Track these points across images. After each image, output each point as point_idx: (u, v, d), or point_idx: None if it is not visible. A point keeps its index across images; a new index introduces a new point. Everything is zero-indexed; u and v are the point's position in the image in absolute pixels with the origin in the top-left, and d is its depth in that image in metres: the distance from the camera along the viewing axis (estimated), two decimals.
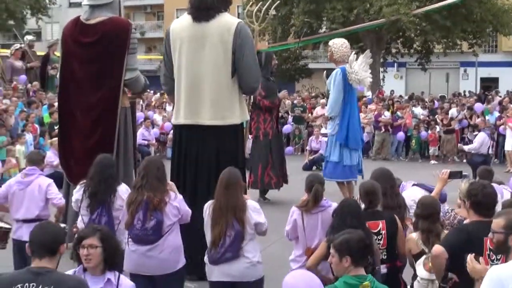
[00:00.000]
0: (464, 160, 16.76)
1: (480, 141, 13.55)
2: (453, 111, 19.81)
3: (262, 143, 11.71)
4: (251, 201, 5.45)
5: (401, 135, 19.04)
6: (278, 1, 25.87)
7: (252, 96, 11.17)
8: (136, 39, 7.79)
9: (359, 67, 10.65)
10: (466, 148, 14.85)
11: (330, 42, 11.58)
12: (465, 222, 4.87)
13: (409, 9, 26.29)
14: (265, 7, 10.43)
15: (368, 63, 10.92)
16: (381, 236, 5.32)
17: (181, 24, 7.08)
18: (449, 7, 27.00)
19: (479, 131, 14.83)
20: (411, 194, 6.52)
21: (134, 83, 7.66)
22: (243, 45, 6.83)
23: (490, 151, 13.59)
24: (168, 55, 7.15)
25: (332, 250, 4.11)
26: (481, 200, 4.46)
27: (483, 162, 12.86)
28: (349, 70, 10.47)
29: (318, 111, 21.06)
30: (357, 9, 28.63)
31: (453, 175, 5.96)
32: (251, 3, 10.78)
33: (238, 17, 13.30)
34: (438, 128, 19.00)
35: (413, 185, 6.93)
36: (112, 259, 4.18)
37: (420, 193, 6.48)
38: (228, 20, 6.90)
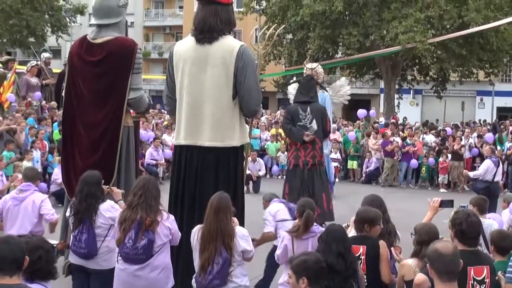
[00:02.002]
0: None
1: (485, 168, 13.60)
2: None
3: (321, 171, 11.34)
4: (240, 228, 5.47)
5: (414, 162, 18.94)
6: (284, 26, 26.07)
7: (323, 123, 11.21)
8: (141, 59, 7.85)
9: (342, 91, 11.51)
10: (471, 174, 15.01)
11: (315, 65, 11.82)
12: None
13: (424, 37, 26.32)
14: (277, 31, 10.57)
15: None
16: (360, 261, 5.27)
17: (184, 45, 7.13)
18: (465, 36, 27.02)
19: (486, 157, 14.85)
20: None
21: (138, 102, 7.71)
22: (245, 67, 6.83)
23: (496, 179, 13.55)
24: (171, 76, 7.19)
25: (289, 271, 4.14)
26: (465, 229, 4.45)
27: (486, 188, 13.02)
28: (333, 94, 11.15)
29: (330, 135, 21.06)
30: (373, 36, 28.73)
31: (444, 204, 5.92)
32: (266, 26, 10.89)
33: (256, 40, 13.35)
34: (449, 156, 18.94)
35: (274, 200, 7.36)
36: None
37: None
38: (230, 43, 6.92)
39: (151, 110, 19.16)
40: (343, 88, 12.36)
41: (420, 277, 4.38)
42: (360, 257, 5.28)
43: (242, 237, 5.35)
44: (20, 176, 11.88)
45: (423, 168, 19.29)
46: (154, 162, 17.62)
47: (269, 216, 7.06)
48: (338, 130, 21.68)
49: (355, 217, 5.60)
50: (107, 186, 6.43)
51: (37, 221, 6.53)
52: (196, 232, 5.37)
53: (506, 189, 18.37)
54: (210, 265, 5.17)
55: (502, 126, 23.04)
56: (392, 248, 5.64)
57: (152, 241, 5.36)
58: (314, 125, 11.28)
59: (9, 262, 3.60)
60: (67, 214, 6.14)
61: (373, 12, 29.07)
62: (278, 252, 5.79)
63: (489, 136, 19.06)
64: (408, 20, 26.73)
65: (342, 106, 12.98)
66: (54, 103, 17.61)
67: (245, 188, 10.16)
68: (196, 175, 6.98)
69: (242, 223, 6.18)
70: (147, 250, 5.35)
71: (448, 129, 21.86)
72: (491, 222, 6.61)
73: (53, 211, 6.80)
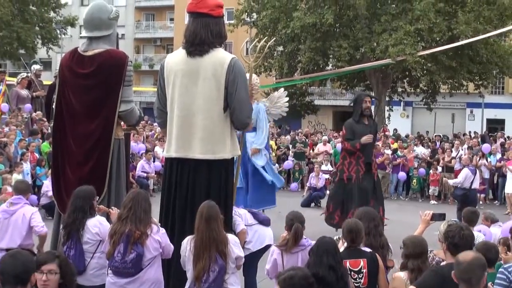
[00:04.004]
0: None
1: (464, 176, 14.68)
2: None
3: (347, 186, 11.45)
4: (231, 235, 5.47)
5: (402, 175, 18.99)
6: (274, 38, 26.10)
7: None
8: (132, 72, 7.83)
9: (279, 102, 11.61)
10: (451, 182, 16.03)
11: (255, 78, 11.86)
12: (442, 264, 4.85)
13: (415, 50, 26.46)
14: (268, 44, 10.53)
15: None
16: (362, 274, 5.29)
17: (175, 58, 7.12)
18: (455, 48, 27.19)
19: (464, 167, 16.02)
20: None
21: (129, 115, 7.68)
22: (235, 80, 6.83)
23: (473, 186, 14.69)
24: (162, 88, 7.18)
25: (276, 287, 4.12)
26: (458, 242, 4.45)
27: (464, 195, 14.30)
28: (271, 105, 11.37)
29: (319, 147, 21.10)
30: (363, 48, 28.86)
31: (436, 217, 5.93)
32: (257, 38, 10.85)
33: (246, 53, 13.36)
34: (440, 168, 19.01)
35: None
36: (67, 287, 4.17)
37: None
38: (221, 55, 6.92)
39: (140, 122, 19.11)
40: (281, 99, 12.25)
41: None
42: (362, 271, 5.29)
43: (235, 244, 5.37)
44: (9, 188, 11.83)
45: (414, 180, 19.36)
46: (145, 174, 17.60)
47: (237, 217, 7.10)
48: (328, 142, 21.71)
49: (343, 230, 5.60)
50: (96, 206, 6.38)
51: (26, 234, 6.49)
52: (187, 243, 5.35)
53: (497, 201, 18.55)
54: (206, 274, 5.15)
55: (491, 138, 23.17)
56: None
57: (141, 254, 5.33)
58: None
59: (12, 276, 3.63)
60: (60, 228, 6.13)
61: (363, 24, 29.23)
62: (267, 266, 5.78)
63: (486, 147, 19.28)
64: (398, 33, 26.91)
65: (281, 115, 12.63)
66: (39, 113, 17.54)
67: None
68: (187, 188, 6.96)
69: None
70: (136, 263, 5.33)
71: (437, 142, 22.02)
72: (477, 235, 6.64)
73: (42, 224, 6.76)
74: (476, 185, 15.03)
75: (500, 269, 5.21)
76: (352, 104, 12.07)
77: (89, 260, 5.86)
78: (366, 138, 11.32)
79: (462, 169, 18.77)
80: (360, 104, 11.61)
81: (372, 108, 35.24)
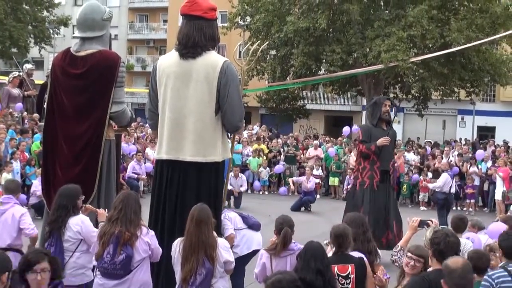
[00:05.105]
0: (454, 207, 16.98)
1: (443, 181, 15.21)
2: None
3: (358, 193, 10.85)
4: (221, 239, 5.48)
5: None
6: (267, 41, 26.03)
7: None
8: (125, 73, 7.83)
9: None
10: (431, 186, 16.81)
11: None
12: (428, 270, 4.88)
13: (407, 56, 26.53)
14: (261, 47, 10.48)
15: None
16: (349, 280, 5.29)
17: (168, 60, 7.13)
18: (447, 55, 27.28)
19: (443, 171, 16.49)
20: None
21: (120, 116, 7.69)
22: (228, 83, 6.84)
23: (452, 190, 15.28)
24: (154, 90, 7.19)
25: None
26: (443, 249, 4.48)
27: (445, 199, 14.90)
28: None
29: (310, 152, 21.12)
30: (356, 53, 28.90)
31: (423, 224, 5.96)
32: (250, 41, 10.77)
33: (239, 56, 13.36)
34: (430, 174, 19.07)
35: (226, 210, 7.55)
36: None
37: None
38: (214, 58, 6.94)
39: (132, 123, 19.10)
40: None
41: None
42: (350, 276, 5.30)
43: (224, 248, 5.37)
44: None
45: (404, 186, 19.41)
46: (136, 176, 17.56)
47: (227, 221, 7.15)
48: (320, 146, 21.74)
49: (331, 235, 5.61)
50: (83, 205, 6.37)
51: (16, 234, 6.47)
52: (177, 244, 5.36)
53: (486, 208, 18.65)
54: (193, 277, 5.15)
55: (481, 146, 23.27)
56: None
57: (131, 256, 5.33)
58: None
59: None
60: (45, 225, 6.15)
61: (356, 30, 29.29)
62: (256, 270, 5.78)
63: (479, 153, 19.50)
64: (391, 39, 26.95)
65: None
66: (36, 115, 17.51)
67: (226, 203, 10.16)
68: (177, 190, 6.96)
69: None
70: (125, 265, 5.32)
71: (428, 148, 22.09)
72: (465, 242, 6.67)
73: (33, 225, 6.75)
74: (454, 189, 15.65)
75: (484, 277, 5.24)
76: (369, 108, 11.51)
77: (68, 259, 5.86)
78: (382, 140, 10.65)
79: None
80: (379, 108, 11.01)
81: (363, 113, 35.37)
